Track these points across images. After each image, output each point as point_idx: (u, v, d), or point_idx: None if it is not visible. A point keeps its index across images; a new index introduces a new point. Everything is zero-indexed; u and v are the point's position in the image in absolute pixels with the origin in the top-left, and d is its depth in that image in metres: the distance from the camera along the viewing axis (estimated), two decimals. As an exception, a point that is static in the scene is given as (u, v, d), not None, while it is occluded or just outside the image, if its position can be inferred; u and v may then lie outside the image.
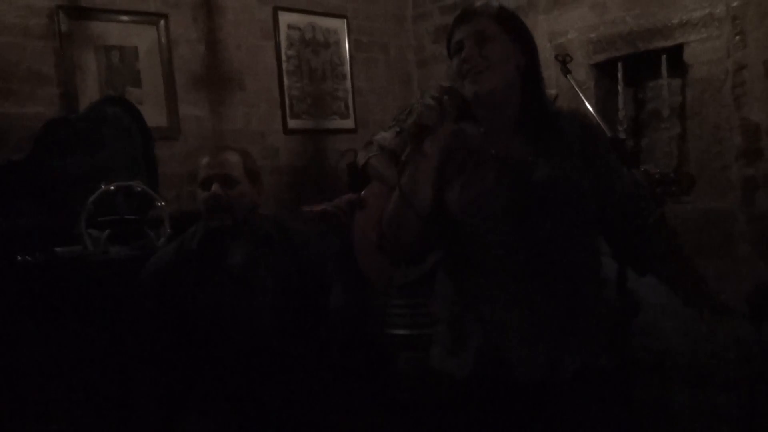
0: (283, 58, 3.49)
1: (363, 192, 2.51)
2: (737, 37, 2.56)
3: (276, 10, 3.46)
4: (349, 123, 3.77)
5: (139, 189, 2.50)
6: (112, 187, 2.42)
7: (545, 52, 3.20)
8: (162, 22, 3.06)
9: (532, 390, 1.33)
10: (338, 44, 3.72)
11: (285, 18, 3.49)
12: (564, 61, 2.20)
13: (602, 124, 1.95)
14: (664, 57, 2.82)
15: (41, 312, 2.15)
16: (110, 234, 2.37)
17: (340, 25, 3.73)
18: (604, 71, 3.06)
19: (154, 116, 2.95)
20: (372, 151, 2.43)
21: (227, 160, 1.88)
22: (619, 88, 2.95)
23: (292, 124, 3.52)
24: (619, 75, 2.95)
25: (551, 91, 2.85)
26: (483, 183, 1.34)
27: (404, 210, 1.30)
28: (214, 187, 1.83)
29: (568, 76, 2.19)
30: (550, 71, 3.14)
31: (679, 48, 2.74)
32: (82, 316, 2.18)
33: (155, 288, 1.89)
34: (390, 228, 1.36)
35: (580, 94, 2.12)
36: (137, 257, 2.29)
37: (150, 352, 1.92)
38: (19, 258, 2.23)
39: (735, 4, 2.55)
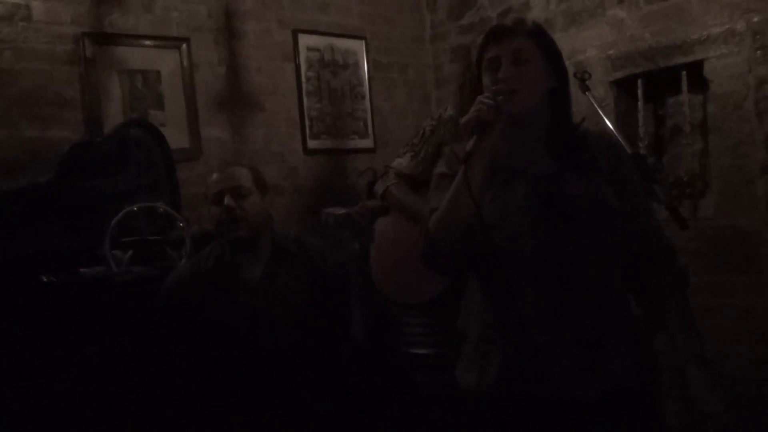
0: (303, 79, 3.53)
1: (376, 226, 2.51)
2: (758, 52, 2.54)
3: (295, 32, 3.50)
4: (368, 143, 3.79)
5: (161, 210, 2.53)
6: (135, 209, 2.46)
7: (564, 69, 3.19)
8: (184, 46, 3.11)
9: (559, 408, 1.32)
10: (357, 65, 3.76)
11: (304, 40, 3.54)
12: (583, 78, 2.20)
13: (622, 141, 1.94)
14: (684, 73, 2.80)
15: (66, 332, 2.17)
16: (133, 254, 2.40)
17: (359, 47, 3.76)
18: (623, 88, 3.05)
19: (176, 138, 2.99)
20: (390, 179, 2.44)
21: (236, 173, 1.93)
22: (639, 104, 2.93)
23: (312, 144, 3.55)
24: (639, 91, 2.93)
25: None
26: (512, 197, 1.35)
27: (464, 197, 1.25)
28: (227, 200, 1.86)
29: (587, 93, 2.18)
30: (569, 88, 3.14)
31: (699, 64, 2.72)
32: (106, 335, 2.20)
33: (173, 307, 1.91)
34: (445, 218, 1.31)
35: (600, 111, 2.11)
36: (159, 277, 2.31)
37: (171, 370, 1.93)
38: (44, 278, 2.26)
39: (756, 19, 2.53)
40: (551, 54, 1.39)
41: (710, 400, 1.32)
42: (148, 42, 3.03)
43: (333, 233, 2.31)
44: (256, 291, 1.88)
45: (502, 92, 1.29)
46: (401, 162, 2.43)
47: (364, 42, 3.78)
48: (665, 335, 1.38)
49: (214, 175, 1.94)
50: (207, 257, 1.94)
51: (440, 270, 1.43)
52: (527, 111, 1.33)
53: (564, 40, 3.22)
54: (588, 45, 3.11)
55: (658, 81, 2.95)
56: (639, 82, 2.93)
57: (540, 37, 1.38)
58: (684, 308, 1.39)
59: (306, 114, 3.53)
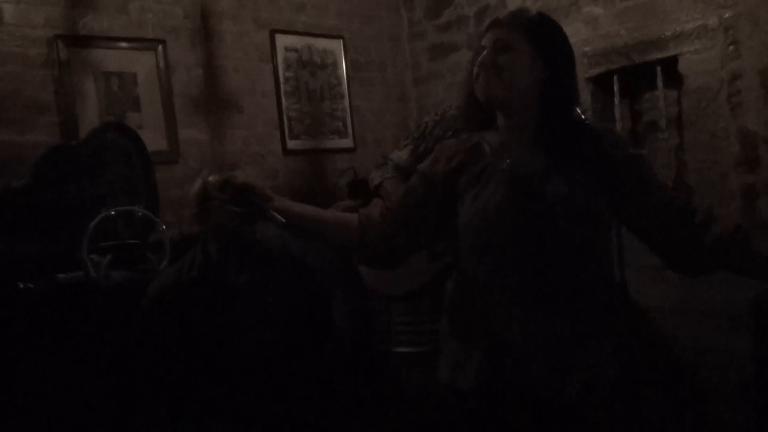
0: (281, 80, 3.51)
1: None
2: (731, 47, 2.58)
3: (273, 33, 3.49)
4: (347, 142, 3.78)
5: (139, 213, 2.51)
6: (112, 212, 2.43)
7: (541, 67, 3.21)
8: (160, 47, 3.09)
9: (540, 407, 1.32)
10: (335, 65, 3.75)
11: (282, 40, 3.52)
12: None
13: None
14: (659, 69, 2.83)
15: (44, 338, 2.14)
16: (112, 259, 2.37)
17: (337, 46, 3.75)
18: (600, 84, 3.07)
19: (153, 140, 2.96)
20: (387, 172, 2.42)
21: (244, 174, 1.92)
22: (616, 100, 2.96)
23: (291, 144, 3.54)
24: (615, 88, 2.96)
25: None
26: (493, 195, 1.34)
27: None
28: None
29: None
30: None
31: (673, 59, 2.76)
32: (86, 341, 2.18)
33: (158, 315, 1.89)
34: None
35: (576, 108, 2.12)
36: (139, 281, 2.29)
37: (155, 376, 1.91)
38: (21, 285, 2.23)
39: (727, 15, 2.57)
40: (542, 45, 1.36)
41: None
42: (123, 44, 3.00)
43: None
44: (242, 297, 1.88)
45: (477, 77, 1.35)
46: (401, 155, 2.42)
47: (341, 41, 3.77)
48: (749, 272, 1.32)
49: (217, 176, 1.90)
50: (189, 266, 1.92)
51: (365, 260, 1.56)
52: (499, 98, 1.35)
53: (540, 38, 3.24)
54: (564, 42, 3.13)
55: (634, 77, 2.98)
56: (615, 78, 2.96)
57: (529, 28, 1.36)
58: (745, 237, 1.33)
59: (285, 114, 3.52)
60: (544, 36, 1.38)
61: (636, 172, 1.36)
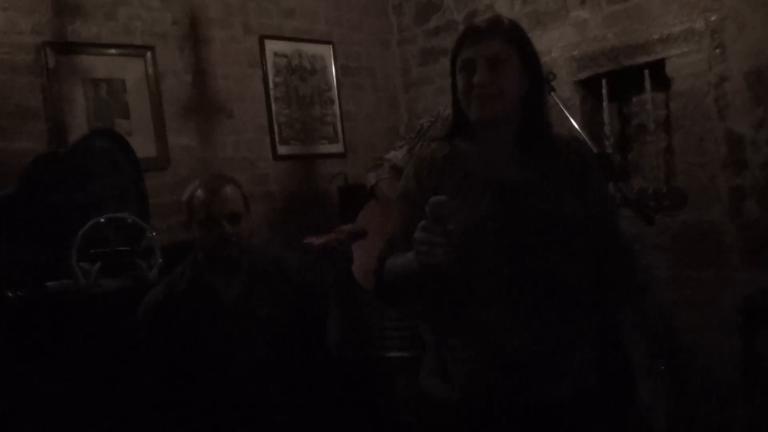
0: (271, 85, 3.51)
1: (360, 215, 2.51)
2: (717, 50, 2.60)
3: (262, 38, 3.49)
4: (338, 147, 3.79)
5: (129, 220, 2.49)
6: (102, 220, 2.41)
7: (530, 71, 3.23)
8: (149, 54, 3.08)
9: (529, 414, 1.31)
10: (325, 70, 3.75)
11: (271, 46, 3.52)
12: (548, 79, 2.23)
13: (588, 140, 1.97)
14: (646, 72, 2.85)
15: (33, 347, 2.13)
16: (102, 266, 2.36)
17: (327, 51, 3.76)
18: (588, 88, 3.09)
19: (143, 147, 2.95)
20: (383, 173, 2.44)
21: (230, 197, 1.85)
22: (604, 104, 2.98)
23: (282, 150, 3.54)
24: (604, 91, 2.98)
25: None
26: (477, 206, 1.32)
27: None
28: (226, 227, 1.81)
29: (552, 93, 2.21)
30: (535, 90, 3.18)
31: (661, 63, 2.78)
32: (75, 349, 2.16)
33: (150, 332, 1.87)
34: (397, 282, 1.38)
35: (565, 112, 2.14)
36: (129, 289, 2.28)
37: (146, 388, 1.90)
38: (10, 293, 2.21)
39: (713, 18, 2.60)
40: (526, 56, 1.35)
41: (657, 418, 1.33)
42: (112, 50, 2.98)
43: (314, 262, 2.31)
44: (233, 312, 1.86)
45: (478, 97, 1.30)
46: (397, 155, 2.47)
47: (331, 47, 3.77)
48: (624, 345, 1.38)
49: (200, 192, 1.84)
50: (180, 279, 1.90)
51: (392, 305, 1.46)
52: (497, 115, 1.32)
53: (529, 42, 3.26)
54: (553, 46, 3.15)
55: (622, 80, 3.00)
56: (603, 81, 2.98)
57: (516, 38, 1.35)
58: (639, 319, 1.41)
59: (275, 120, 3.52)
60: (527, 46, 1.36)
61: (592, 189, 1.37)
